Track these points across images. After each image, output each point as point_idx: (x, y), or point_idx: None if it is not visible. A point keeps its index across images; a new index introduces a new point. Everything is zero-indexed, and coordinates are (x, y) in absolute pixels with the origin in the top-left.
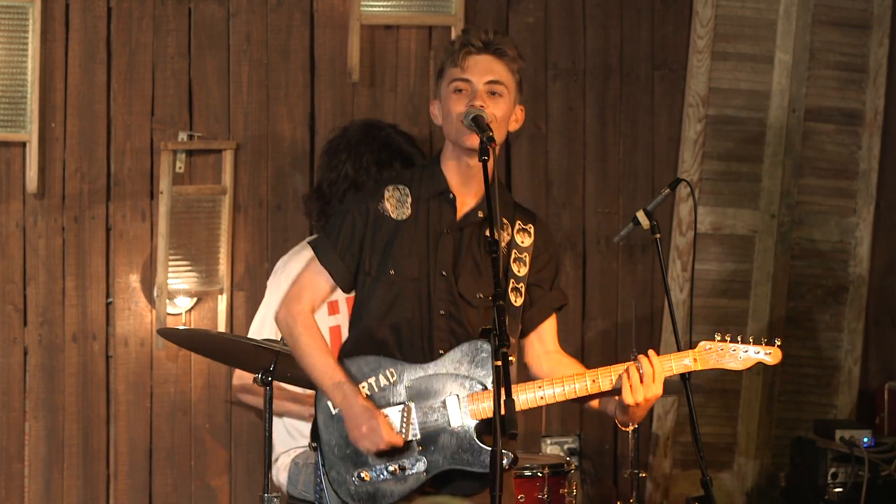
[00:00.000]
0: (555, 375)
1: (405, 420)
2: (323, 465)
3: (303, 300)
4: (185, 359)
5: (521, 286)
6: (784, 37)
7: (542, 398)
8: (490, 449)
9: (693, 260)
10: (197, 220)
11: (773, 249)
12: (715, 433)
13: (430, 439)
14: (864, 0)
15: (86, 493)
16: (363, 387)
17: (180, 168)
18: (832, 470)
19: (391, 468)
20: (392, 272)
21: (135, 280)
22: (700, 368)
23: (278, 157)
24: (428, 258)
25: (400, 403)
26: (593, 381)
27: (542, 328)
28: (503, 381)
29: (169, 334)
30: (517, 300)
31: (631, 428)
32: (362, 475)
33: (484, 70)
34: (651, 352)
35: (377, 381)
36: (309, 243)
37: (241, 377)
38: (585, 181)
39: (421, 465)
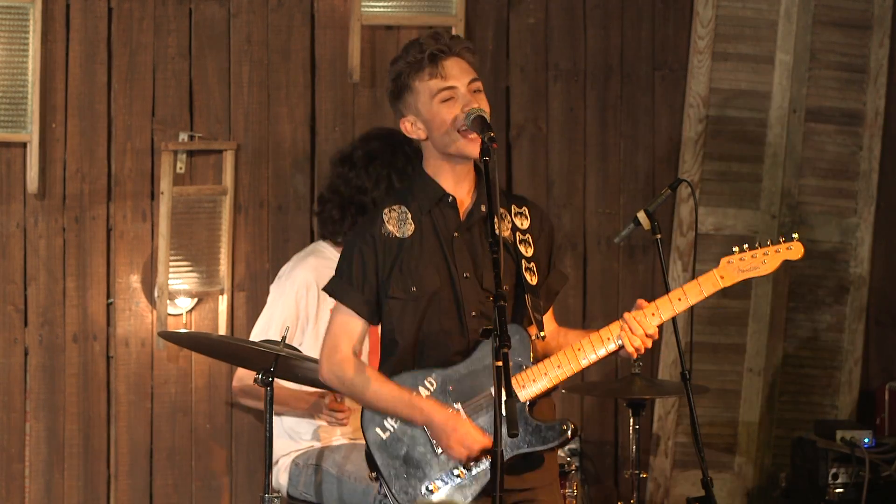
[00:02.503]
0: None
1: None
2: (391, 492)
3: (341, 348)
4: (186, 359)
5: (533, 265)
6: (785, 37)
7: (556, 377)
8: (548, 423)
9: (694, 260)
10: (198, 220)
11: None
12: (715, 433)
13: (488, 432)
14: (864, 0)
15: (86, 493)
16: None
17: (181, 168)
18: (833, 470)
19: (456, 473)
20: (414, 289)
21: (135, 280)
22: (729, 284)
23: (279, 157)
24: (447, 265)
25: (447, 409)
26: (604, 341)
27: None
28: (504, 380)
29: (170, 337)
30: (533, 279)
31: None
32: (430, 487)
33: (462, 72)
34: (669, 296)
35: (419, 393)
36: (325, 290)
37: (241, 379)
38: (586, 181)
39: (484, 462)
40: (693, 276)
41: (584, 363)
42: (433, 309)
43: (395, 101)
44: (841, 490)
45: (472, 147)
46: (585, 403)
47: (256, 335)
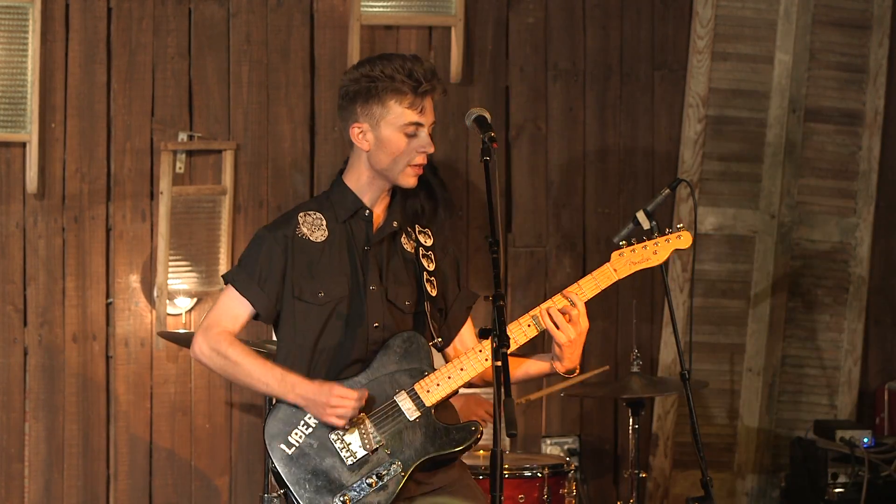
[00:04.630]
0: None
1: (363, 432)
2: None
3: (222, 324)
4: (186, 359)
5: (433, 279)
6: (784, 37)
7: (486, 359)
8: (457, 425)
9: (693, 260)
10: (197, 220)
11: (774, 250)
12: (715, 433)
13: (395, 439)
14: (864, 0)
15: (86, 493)
16: (308, 417)
17: (180, 168)
18: (832, 470)
19: (369, 481)
20: (321, 294)
21: (135, 280)
22: (623, 276)
23: (278, 157)
24: (356, 275)
25: (351, 418)
26: (522, 331)
27: (462, 332)
28: (503, 381)
29: (169, 336)
30: (433, 290)
31: (576, 373)
32: (344, 500)
33: (431, 113)
34: (567, 290)
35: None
36: (224, 277)
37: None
38: (585, 181)
39: (396, 467)
40: (692, 276)
41: (487, 363)
42: (336, 317)
43: (353, 101)
44: (840, 490)
45: (411, 181)
46: (585, 403)
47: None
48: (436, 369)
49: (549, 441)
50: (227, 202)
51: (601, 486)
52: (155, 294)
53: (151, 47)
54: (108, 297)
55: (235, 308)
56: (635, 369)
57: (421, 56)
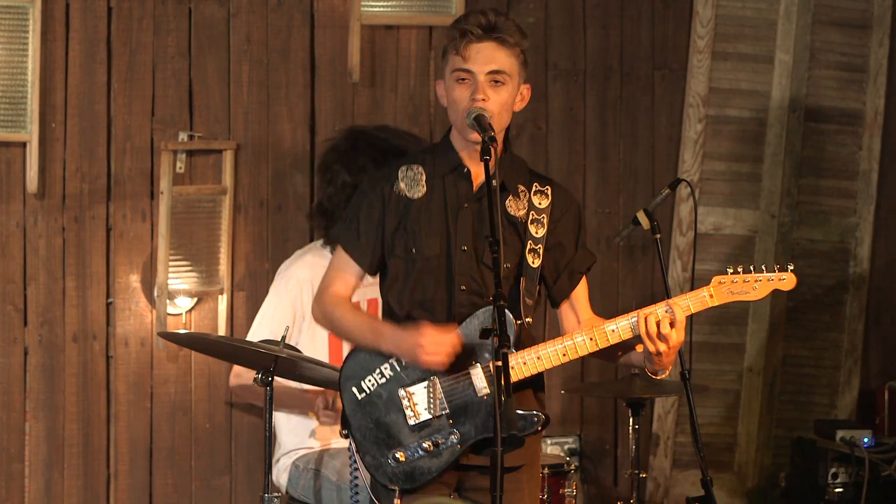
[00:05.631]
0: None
1: (431, 395)
2: (357, 452)
3: (333, 287)
4: (186, 359)
5: (539, 247)
6: (784, 37)
7: (564, 354)
8: (517, 412)
9: (693, 260)
10: (197, 220)
11: (774, 249)
12: (715, 433)
13: (460, 411)
14: (864, 0)
15: (86, 493)
16: (385, 367)
17: (180, 168)
18: (832, 470)
19: (425, 445)
20: (413, 250)
21: (135, 280)
22: (718, 303)
23: (278, 157)
24: (447, 234)
25: (424, 380)
26: (612, 330)
27: (574, 296)
28: (503, 380)
29: (169, 336)
30: (535, 261)
31: (662, 376)
32: (397, 456)
33: (485, 59)
34: (670, 301)
35: (399, 359)
36: (330, 234)
37: (238, 375)
38: (585, 181)
39: (454, 438)
40: (692, 276)
41: (565, 357)
42: (426, 275)
43: (442, 61)
44: (840, 490)
45: (477, 137)
46: (585, 403)
47: (252, 332)
48: (515, 351)
49: (549, 441)
50: (227, 202)
51: (601, 486)
52: (155, 294)
53: (151, 47)
54: (108, 297)
55: (344, 268)
56: (635, 370)
57: (494, 13)
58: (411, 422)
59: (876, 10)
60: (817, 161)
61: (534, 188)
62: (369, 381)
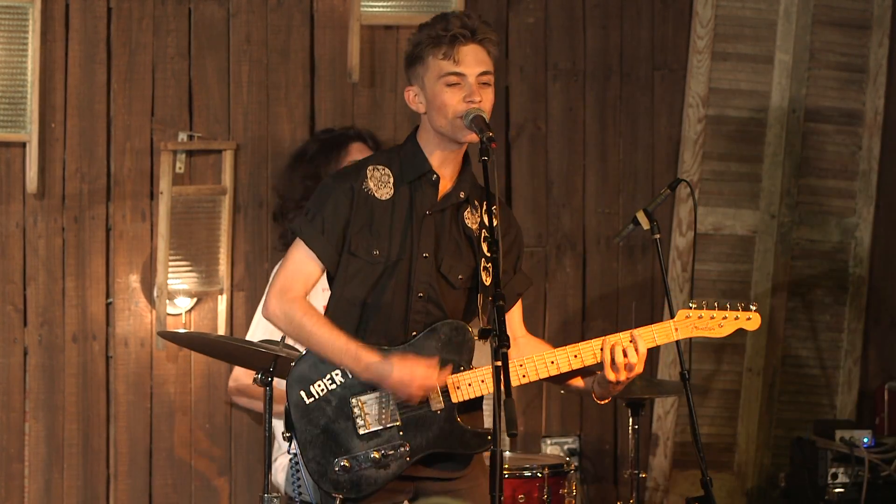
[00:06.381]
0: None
1: (384, 406)
2: (301, 456)
3: (295, 287)
4: (185, 359)
5: (490, 266)
6: (784, 37)
7: (524, 376)
8: (470, 429)
9: (693, 260)
10: (197, 220)
11: (773, 250)
12: (715, 433)
13: (412, 423)
14: (864, 0)
15: (86, 493)
16: (336, 373)
17: (180, 168)
18: (832, 470)
19: (373, 455)
20: (376, 253)
21: (135, 280)
22: (682, 338)
23: (278, 157)
24: (410, 240)
25: (377, 389)
26: (575, 356)
27: (509, 315)
28: (503, 381)
29: (169, 336)
30: (487, 279)
31: (606, 401)
32: (344, 463)
33: (476, 62)
34: (634, 332)
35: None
36: (291, 227)
37: (236, 379)
38: (585, 181)
39: (404, 451)
40: (692, 276)
41: (525, 379)
42: (385, 279)
43: (407, 67)
44: (840, 490)
45: (473, 138)
46: (585, 403)
47: (251, 331)
48: (472, 368)
49: (549, 441)
50: (227, 202)
51: (601, 486)
52: (155, 294)
53: (151, 47)
54: (108, 297)
55: (306, 266)
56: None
57: (466, 15)
58: (361, 431)
59: (876, 10)
60: (817, 161)
61: (484, 206)
62: (319, 385)
